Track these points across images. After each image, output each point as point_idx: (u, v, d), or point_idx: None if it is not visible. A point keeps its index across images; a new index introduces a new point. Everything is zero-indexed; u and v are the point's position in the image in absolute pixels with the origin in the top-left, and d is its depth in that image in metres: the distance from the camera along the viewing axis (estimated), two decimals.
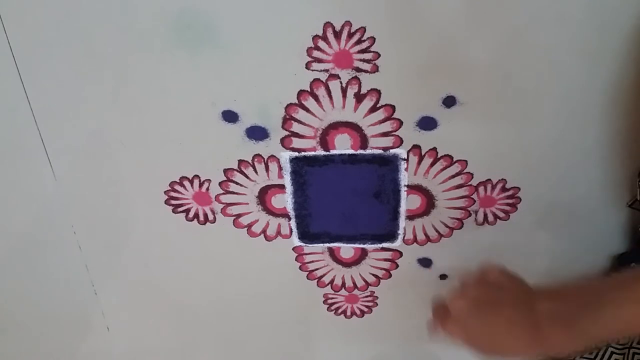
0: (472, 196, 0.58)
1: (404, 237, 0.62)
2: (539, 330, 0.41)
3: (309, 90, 0.51)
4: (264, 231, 0.63)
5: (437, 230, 0.61)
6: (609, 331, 0.39)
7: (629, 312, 0.38)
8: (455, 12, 0.46)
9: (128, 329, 0.76)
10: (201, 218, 0.62)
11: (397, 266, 0.65)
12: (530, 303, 0.42)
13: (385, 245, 0.63)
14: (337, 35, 0.47)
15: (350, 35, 0.47)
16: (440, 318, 0.48)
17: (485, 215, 0.60)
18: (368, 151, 0.55)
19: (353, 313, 0.72)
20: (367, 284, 0.68)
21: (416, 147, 0.54)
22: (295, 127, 0.54)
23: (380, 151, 0.55)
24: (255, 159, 0.56)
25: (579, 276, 0.43)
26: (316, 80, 0.50)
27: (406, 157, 0.55)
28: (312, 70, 0.50)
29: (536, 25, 0.46)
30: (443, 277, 0.66)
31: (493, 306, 0.44)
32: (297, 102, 0.52)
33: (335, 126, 0.53)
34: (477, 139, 0.54)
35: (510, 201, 0.58)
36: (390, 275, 0.67)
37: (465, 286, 0.46)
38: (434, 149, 0.54)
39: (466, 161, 0.55)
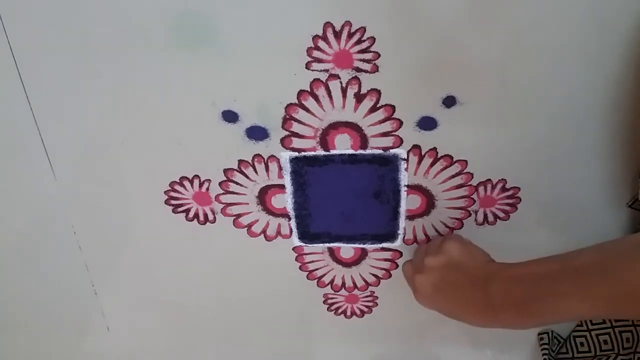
0: (472, 196, 0.58)
1: (404, 237, 0.62)
2: (491, 309, 0.45)
3: (309, 90, 0.51)
4: (264, 231, 0.63)
5: (437, 230, 0.61)
6: (559, 318, 0.41)
7: (581, 307, 0.39)
8: (456, 12, 0.46)
9: (128, 329, 0.76)
10: (201, 218, 0.62)
11: (397, 266, 0.65)
12: (486, 284, 0.46)
13: (385, 245, 0.63)
14: (337, 35, 0.47)
15: (350, 35, 0.47)
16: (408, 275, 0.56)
17: (485, 215, 0.60)
18: (368, 151, 0.55)
19: (353, 313, 0.72)
20: (367, 284, 0.68)
21: (416, 147, 0.54)
22: (295, 127, 0.54)
23: (380, 151, 0.55)
24: (255, 159, 0.56)
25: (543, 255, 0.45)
26: (316, 80, 0.50)
27: (406, 157, 0.55)
28: (312, 70, 0.50)
29: (536, 25, 0.46)
30: None
31: (452, 286, 0.49)
32: (297, 102, 0.52)
33: (335, 126, 0.53)
34: (477, 139, 0.54)
35: (510, 201, 0.58)
36: (390, 275, 0.67)
37: (429, 265, 0.52)
38: (434, 149, 0.54)
39: (466, 161, 0.55)
